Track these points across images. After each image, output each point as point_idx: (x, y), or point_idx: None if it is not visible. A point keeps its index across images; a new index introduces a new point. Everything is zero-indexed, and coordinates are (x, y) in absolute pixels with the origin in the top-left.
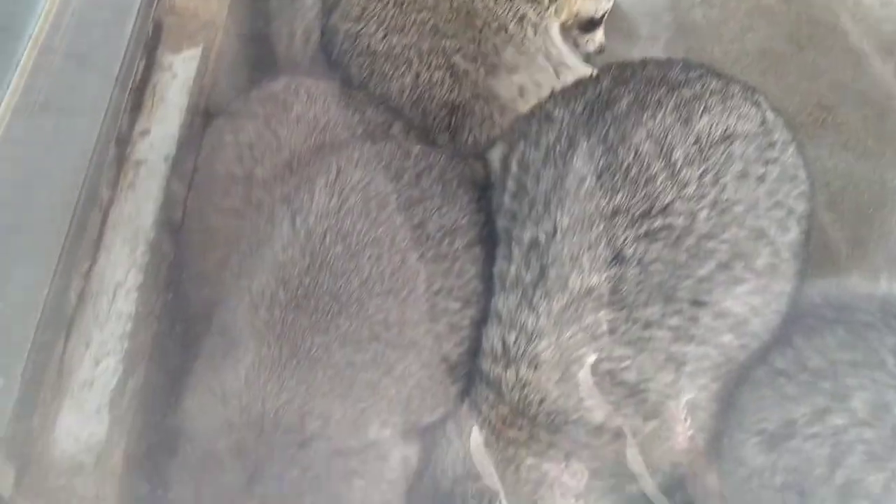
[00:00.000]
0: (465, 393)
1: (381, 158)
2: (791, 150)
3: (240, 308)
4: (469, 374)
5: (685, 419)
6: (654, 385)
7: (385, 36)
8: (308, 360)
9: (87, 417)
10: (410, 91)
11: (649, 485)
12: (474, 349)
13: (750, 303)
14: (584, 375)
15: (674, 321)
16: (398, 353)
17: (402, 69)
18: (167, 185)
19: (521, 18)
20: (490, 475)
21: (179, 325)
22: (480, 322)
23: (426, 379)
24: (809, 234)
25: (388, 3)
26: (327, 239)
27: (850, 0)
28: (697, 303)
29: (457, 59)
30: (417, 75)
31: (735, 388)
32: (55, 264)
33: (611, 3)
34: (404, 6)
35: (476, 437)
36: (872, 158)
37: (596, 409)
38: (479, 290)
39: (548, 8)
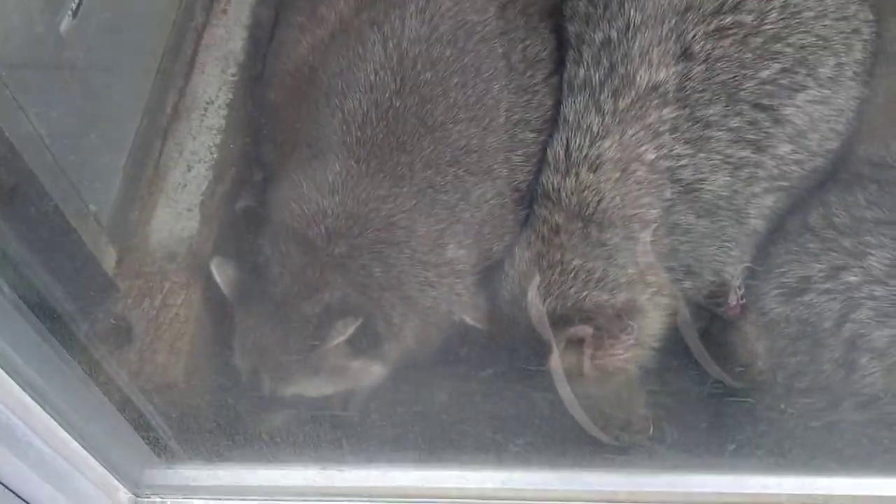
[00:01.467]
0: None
1: None
2: None
3: (331, 124)
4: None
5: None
6: (709, 185)
7: None
8: (394, 177)
9: (179, 214)
10: None
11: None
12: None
13: (810, 113)
14: (643, 174)
15: (734, 122)
16: (476, 178)
17: None
18: (255, 9)
19: None
20: (543, 324)
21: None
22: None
23: (499, 207)
24: (872, 68)
25: None
26: (418, 65)
27: None
28: (759, 106)
29: None
30: None
31: (771, 240)
32: (152, 79)
33: None
34: None
35: (534, 288)
36: None
37: (651, 206)
38: (553, 120)
39: None
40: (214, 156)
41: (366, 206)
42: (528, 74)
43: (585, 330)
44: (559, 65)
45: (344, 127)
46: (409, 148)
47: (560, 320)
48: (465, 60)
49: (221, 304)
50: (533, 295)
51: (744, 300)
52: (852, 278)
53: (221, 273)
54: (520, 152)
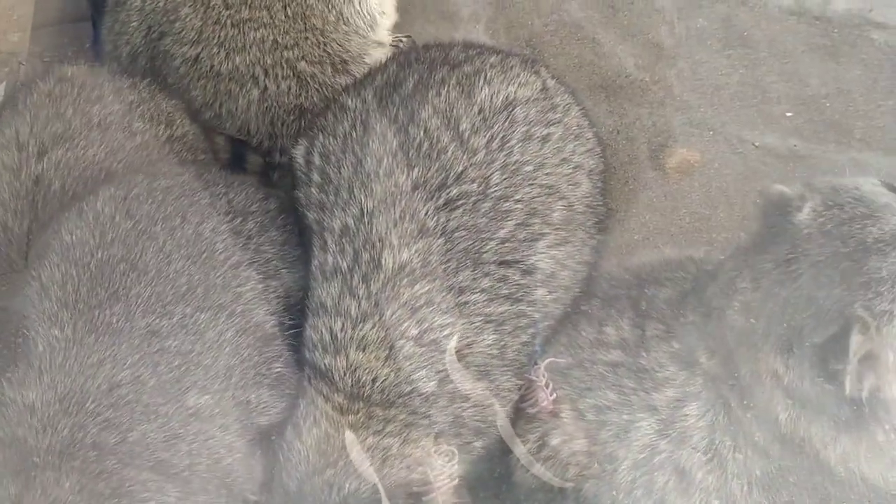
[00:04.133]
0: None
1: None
2: (574, 112)
3: (28, 301)
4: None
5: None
6: (478, 347)
7: (227, 56)
8: (109, 334)
9: None
10: (258, 103)
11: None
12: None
13: (553, 256)
14: (410, 349)
15: (485, 283)
16: (207, 315)
17: (249, 85)
18: None
19: None
20: (366, 466)
21: None
22: (289, 300)
23: (244, 347)
24: (604, 187)
25: (224, 23)
26: (116, 217)
27: None
28: (504, 263)
29: (302, 66)
30: (265, 89)
31: None
32: None
33: None
34: (241, 26)
35: (350, 435)
36: (689, 111)
37: (426, 378)
38: (281, 269)
39: None
40: None
41: (80, 377)
42: (238, 220)
43: None
44: (276, 218)
45: (42, 293)
46: (121, 296)
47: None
48: (168, 210)
49: None
50: (350, 442)
51: (554, 395)
52: None
53: None
54: (248, 288)
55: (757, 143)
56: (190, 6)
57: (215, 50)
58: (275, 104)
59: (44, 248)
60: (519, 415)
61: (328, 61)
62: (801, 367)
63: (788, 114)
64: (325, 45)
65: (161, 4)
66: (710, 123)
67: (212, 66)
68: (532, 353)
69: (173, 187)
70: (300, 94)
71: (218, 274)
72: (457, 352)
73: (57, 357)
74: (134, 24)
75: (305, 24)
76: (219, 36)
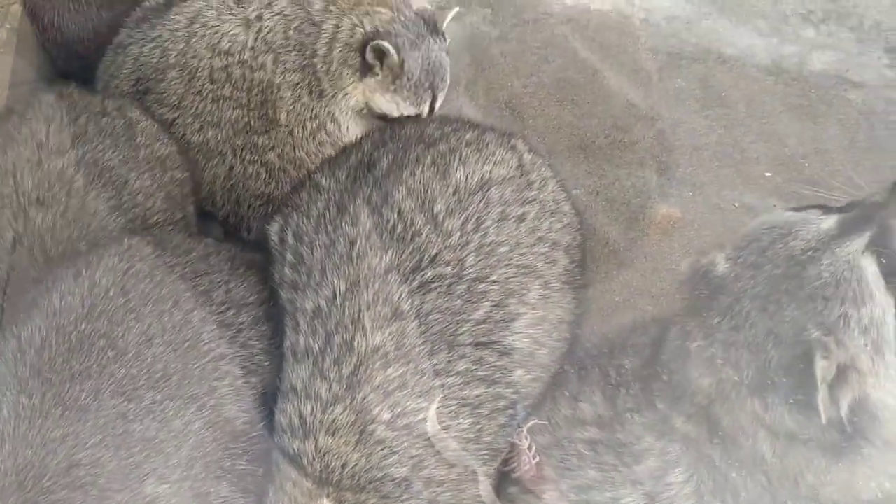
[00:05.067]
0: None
1: (168, 242)
2: (551, 186)
3: (3, 360)
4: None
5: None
6: (454, 432)
7: (201, 128)
8: (76, 410)
9: None
10: (224, 180)
11: None
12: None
13: (531, 335)
14: (382, 433)
15: (461, 366)
16: (177, 404)
17: (216, 161)
18: None
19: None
20: None
21: None
22: (266, 397)
23: (210, 441)
24: (582, 261)
25: (206, 97)
26: (111, 291)
27: (637, 19)
28: (480, 344)
29: (271, 156)
30: (231, 168)
31: None
32: None
33: (419, 110)
34: (220, 103)
35: None
36: (669, 171)
37: (398, 464)
38: (265, 365)
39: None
40: None
41: (41, 450)
42: (230, 313)
43: None
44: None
45: (18, 356)
46: (94, 373)
47: None
48: (162, 292)
49: None
50: None
51: (537, 458)
52: None
53: None
54: (225, 383)
55: (737, 204)
56: (177, 71)
57: (190, 120)
58: (240, 185)
59: (30, 302)
60: (499, 493)
61: (299, 163)
62: (781, 400)
63: (767, 173)
64: (293, 146)
65: (154, 61)
66: (690, 183)
67: (184, 135)
68: (510, 433)
69: (176, 267)
70: (269, 183)
71: (197, 365)
72: (430, 437)
73: (21, 426)
74: (126, 70)
75: (276, 114)
76: (197, 107)
